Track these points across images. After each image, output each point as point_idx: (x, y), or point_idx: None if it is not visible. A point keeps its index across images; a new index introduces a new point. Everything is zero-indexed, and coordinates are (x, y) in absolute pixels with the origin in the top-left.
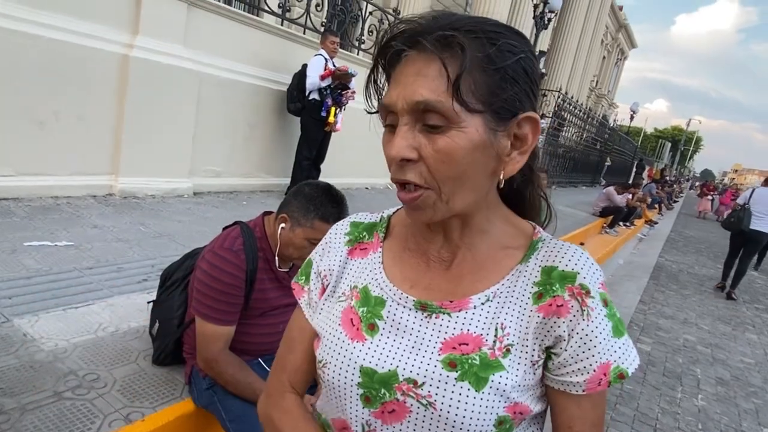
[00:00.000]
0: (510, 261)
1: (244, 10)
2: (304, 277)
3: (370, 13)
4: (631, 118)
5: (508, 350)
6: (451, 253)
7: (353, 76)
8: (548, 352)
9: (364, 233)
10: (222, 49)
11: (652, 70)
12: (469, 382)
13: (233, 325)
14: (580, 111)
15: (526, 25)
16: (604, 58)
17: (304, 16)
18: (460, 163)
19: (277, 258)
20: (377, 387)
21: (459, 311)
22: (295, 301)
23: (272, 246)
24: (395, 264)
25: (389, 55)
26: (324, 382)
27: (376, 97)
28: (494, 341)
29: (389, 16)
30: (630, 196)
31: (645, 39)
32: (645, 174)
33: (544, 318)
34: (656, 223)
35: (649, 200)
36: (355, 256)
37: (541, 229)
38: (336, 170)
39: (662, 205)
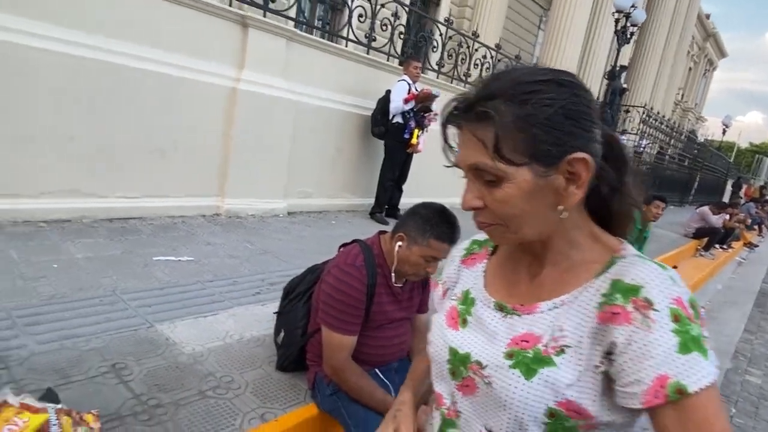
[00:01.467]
0: (587, 275)
1: (332, 41)
2: (439, 275)
3: (450, 37)
4: (723, 132)
5: (562, 350)
6: (538, 268)
7: (436, 97)
8: (608, 359)
9: (476, 246)
10: (314, 78)
11: (745, 80)
12: (520, 371)
13: (356, 335)
14: (666, 126)
15: (605, 40)
16: (690, 69)
17: (388, 44)
18: (517, 206)
19: (393, 274)
20: (458, 364)
21: (528, 314)
22: (408, 315)
23: (388, 262)
24: (494, 274)
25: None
26: (430, 357)
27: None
28: (549, 340)
29: (468, 40)
30: (727, 217)
31: (735, 48)
32: (742, 192)
33: (599, 324)
34: (757, 245)
35: (749, 221)
36: (466, 264)
37: (629, 246)
38: (417, 190)
39: (763, 226)
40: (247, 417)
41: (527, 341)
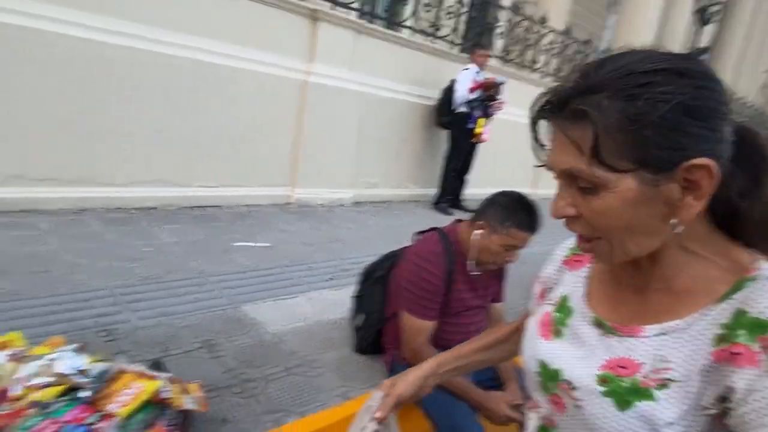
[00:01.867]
0: (706, 299)
1: (396, 31)
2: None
3: (516, 23)
4: None
5: (665, 384)
6: (643, 281)
7: (501, 84)
8: (724, 405)
9: (576, 249)
10: (380, 70)
11: None
12: (613, 400)
13: (435, 320)
14: (752, 110)
15: (683, 21)
16: None
17: (452, 32)
18: (620, 219)
19: (471, 262)
20: (546, 379)
21: (629, 336)
22: (484, 304)
23: (465, 251)
24: (596, 280)
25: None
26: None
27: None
28: (650, 371)
29: (535, 26)
30: None
31: None
32: None
33: (714, 363)
34: None
35: None
36: (569, 266)
37: (765, 264)
38: (481, 180)
39: None
40: (331, 394)
41: (625, 367)
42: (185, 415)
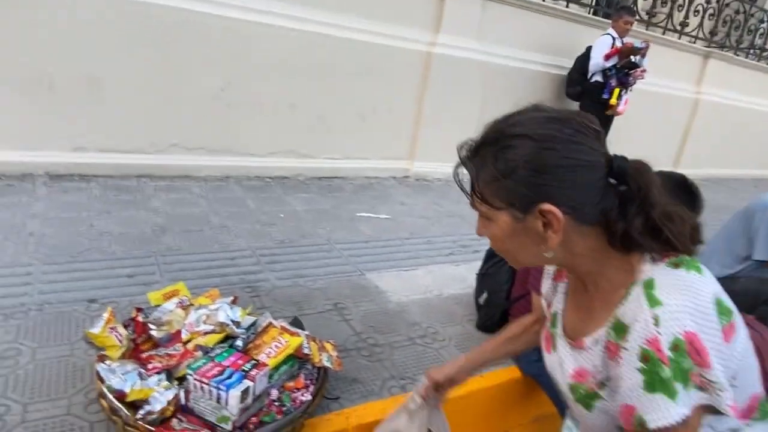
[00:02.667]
0: (612, 307)
1: None
2: None
3: None
4: None
5: (603, 384)
6: (583, 288)
7: (641, 50)
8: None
9: None
10: (508, 38)
11: None
12: (582, 405)
13: None
14: None
15: None
16: None
17: None
18: (503, 243)
19: None
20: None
21: (580, 349)
22: None
23: None
24: (571, 298)
25: None
26: None
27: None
28: (593, 375)
29: None
30: None
31: None
32: None
33: (607, 359)
34: None
35: None
36: (557, 280)
37: (648, 268)
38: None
39: None
40: None
41: (582, 376)
42: (322, 372)
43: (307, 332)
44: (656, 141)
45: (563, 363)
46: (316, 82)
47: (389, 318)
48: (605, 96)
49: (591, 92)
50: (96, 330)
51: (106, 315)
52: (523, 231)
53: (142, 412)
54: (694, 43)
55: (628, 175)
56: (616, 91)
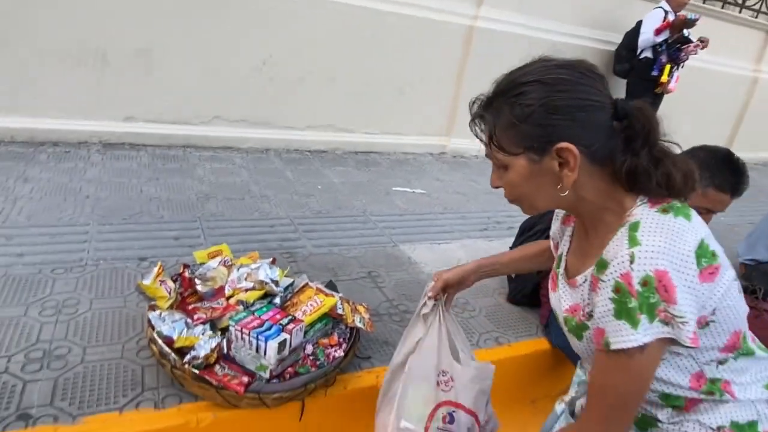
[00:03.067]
0: (603, 248)
1: None
2: None
3: None
4: None
5: (590, 315)
6: (583, 230)
7: (694, 22)
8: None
9: None
10: (553, 11)
11: None
12: (574, 335)
13: None
14: None
15: None
16: None
17: None
18: (520, 188)
19: None
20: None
21: (573, 287)
22: None
23: None
24: (575, 237)
25: None
26: None
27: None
28: (583, 308)
29: None
30: None
31: None
32: None
33: (591, 291)
34: None
35: None
36: (565, 224)
37: (637, 211)
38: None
39: None
40: (482, 337)
41: (575, 310)
42: (354, 332)
43: (341, 294)
44: (708, 121)
45: (561, 300)
46: (356, 56)
47: (421, 287)
48: (655, 73)
49: (640, 69)
50: (147, 281)
51: (156, 269)
52: (540, 173)
53: (188, 357)
54: (756, 17)
55: (632, 115)
56: (667, 67)
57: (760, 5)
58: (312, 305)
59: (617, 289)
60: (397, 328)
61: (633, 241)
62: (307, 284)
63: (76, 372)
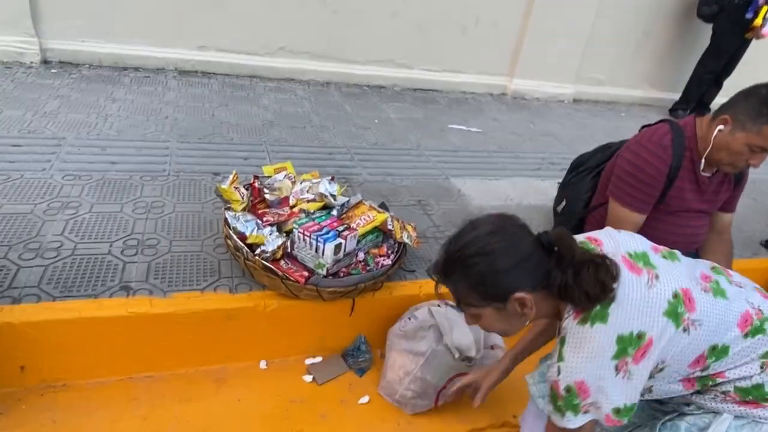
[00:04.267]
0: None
1: None
2: None
3: None
4: None
5: None
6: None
7: None
8: None
9: None
10: None
11: None
12: None
13: (645, 214)
14: None
15: None
16: None
17: None
18: (494, 327)
19: (703, 161)
20: None
21: None
22: (709, 209)
23: (700, 148)
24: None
25: None
26: None
27: None
28: None
29: None
30: None
31: None
32: None
33: None
34: None
35: None
36: None
37: (566, 325)
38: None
39: None
40: None
41: None
42: (402, 246)
43: (392, 213)
44: None
45: None
46: None
47: (468, 217)
48: (749, 15)
49: (731, 11)
50: (225, 185)
51: (231, 176)
52: (507, 315)
53: (258, 250)
54: None
55: (557, 243)
56: (765, 9)
57: None
58: (365, 219)
59: (550, 389)
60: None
61: (560, 357)
62: (361, 201)
63: (165, 259)
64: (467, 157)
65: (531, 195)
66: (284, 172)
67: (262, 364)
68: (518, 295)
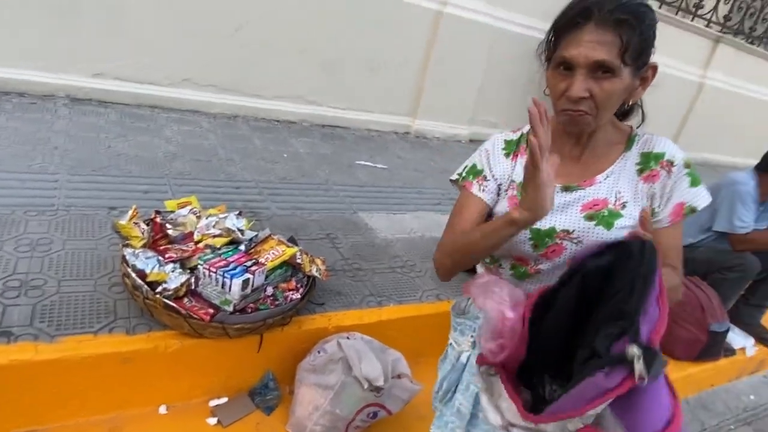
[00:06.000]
0: (617, 151)
1: None
2: (472, 176)
3: None
4: None
5: (624, 205)
6: (579, 150)
7: None
8: (651, 201)
9: (515, 146)
10: (518, 4)
11: None
12: (602, 226)
13: None
14: None
15: None
16: None
17: None
18: (616, 99)
19: None
20: (542, 237)
21: (590, 186)
22: None
23: None
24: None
25: (565, 23)
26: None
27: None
28: (615, 200)
29: None
30: None
31: None
32: None
33: (643, 183)
34: None
35: None
36: (514, 160)
37: (636, 129)
38: None
39: None
40: (425, 293)
41: (598, 204)
42: (311, 280)
43: (301, 247)
44: (656, 121)
45: (567, 207)
46: (327, 29)
47: (374, 250)
48: None
49: None
50: (123, 221)
51: (131, 211)
52: (629, 87)
53: (159, 288)
54: (707, 26)
55: None
56: None
57: (711, 14)
58: (274, 253)
59: (687, 164)
60: (350, 282)
61: (665, 143)
62: (270, 235)
63: (53, 300)
64: (374, 192)
65: (433, 228)
66: (189, 207)
67: (162, 409)
68: (654, 63)
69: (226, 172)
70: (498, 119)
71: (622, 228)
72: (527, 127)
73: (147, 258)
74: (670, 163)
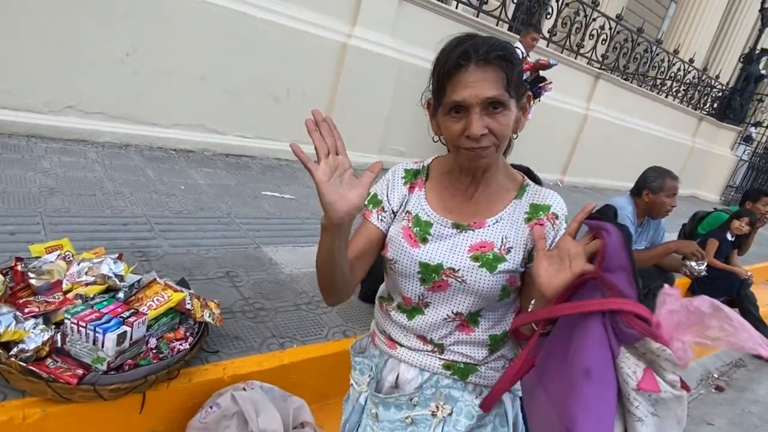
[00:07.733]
0: (509, 198)
1: (442, 1)
2: (372, 205)
3: (567, 4)
4: None
5: (509, 251)
6: (474, 189)
7: (554, 66)
8: (530, 252)
9: (413, 177)
10: (420, 39)
11: None
12: (486, 268)
13: None
14: None
15: (746, 24)
16: None
17: (500, 8)
18: (509, 129)
19: None
20: (430, 272)
21: (479, 228)
22: None
23: None
24: (435, 197)
25: (448, 69)
26: (393, 272)
27: (433, 96)
28: (501, 245)
29: (586, 8)
30: None
31: None
32: None
33: (529, 231)
34: None
35: None
36: (410, 192)
37: (526, 177)
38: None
39: None
40: (332, 331)
41: (485, 247)
42: (203, 326)
43: (191, 291)
44: (549, 151)
45: (455, 246)
46: (229, 58)
47: (279, 286)
48: None
49: None
50: None
51: None
52: (515, 118)
53: (14, 350)
54: (588, 63)
55: None
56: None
57: (592, 53)
58: (159, 300)
59: (566, 219)
60: (250, 324)
61: (553, 197)
62: (155, 280)
63: None
64: (280, 224)
65: None
66: (58, 252)
67: None
68: (528, 93)
69: (113, 207)
70: (406, 148)
71: (504, 272)
72: (429, 160)
73: (1, 314)
74: (555, 216)
